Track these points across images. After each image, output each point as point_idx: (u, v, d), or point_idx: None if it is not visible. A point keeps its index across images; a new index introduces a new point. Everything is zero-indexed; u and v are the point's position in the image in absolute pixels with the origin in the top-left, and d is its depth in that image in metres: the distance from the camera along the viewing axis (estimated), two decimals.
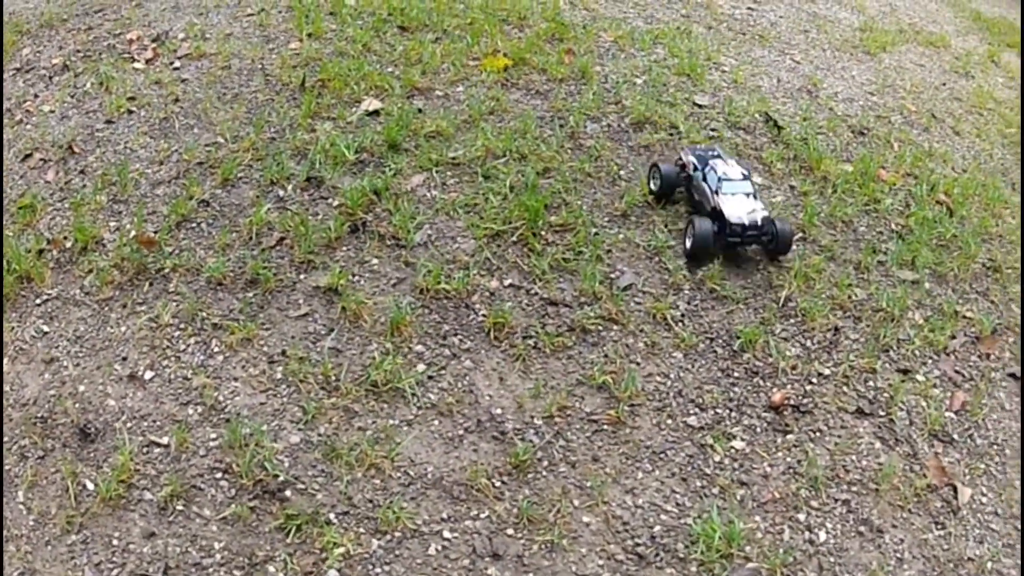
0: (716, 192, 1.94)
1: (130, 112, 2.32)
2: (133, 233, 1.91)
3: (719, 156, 2.03)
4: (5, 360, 1.75)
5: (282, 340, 1.69)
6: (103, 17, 2.81)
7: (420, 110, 2.21)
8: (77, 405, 1.62)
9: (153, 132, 2.24)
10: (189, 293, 1.78)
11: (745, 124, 2.31)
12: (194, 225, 1.94)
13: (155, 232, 1.91)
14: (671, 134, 2.22)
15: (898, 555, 1.50)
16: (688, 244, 1.92)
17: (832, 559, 1.47)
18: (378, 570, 1.41)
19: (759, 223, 1.91)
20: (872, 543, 1.51)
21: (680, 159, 2.07)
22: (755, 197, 1.95)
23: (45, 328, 1.78)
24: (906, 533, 1.53)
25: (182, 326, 1.73)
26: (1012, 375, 1.84)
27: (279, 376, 1.63)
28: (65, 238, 1.94)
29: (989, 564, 1.51)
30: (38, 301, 1.84)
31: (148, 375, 1.66)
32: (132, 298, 1.80)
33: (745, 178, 1.95)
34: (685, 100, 2.36)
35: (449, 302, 1.77)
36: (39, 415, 1.62)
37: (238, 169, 2.06)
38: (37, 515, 1.48)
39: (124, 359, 1.70)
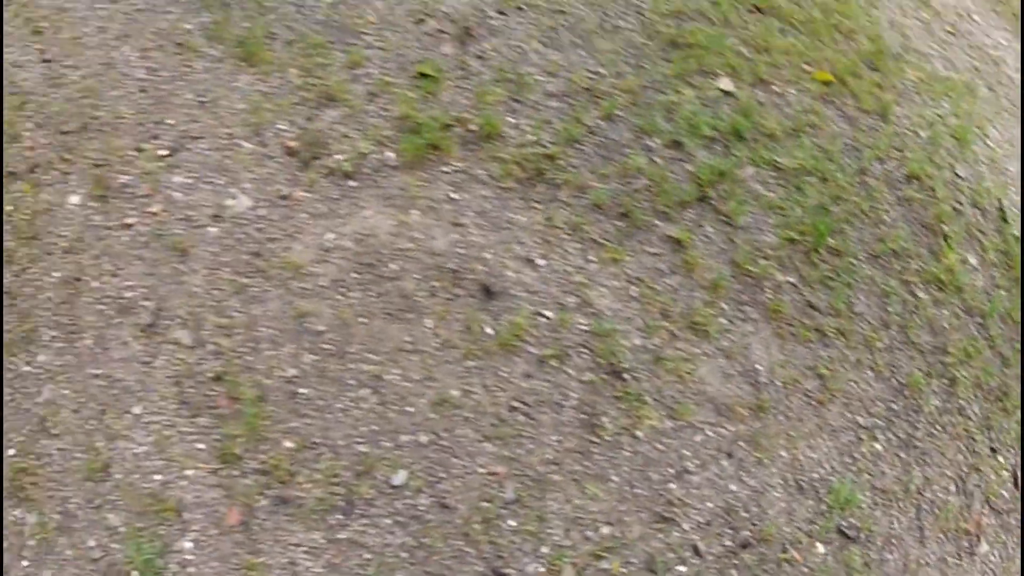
0: None
1: (519, 9, 2.84)
2: (533, 138, 2.56)
3: None
4: (415, 211, 2.49)
5: (639, 267, 2.47)
6: None
7: (760, 103, 2.79)
8: (482, 268, 2.40)
9: (543, 38, 2.80)
10: (576, 206, 2.52)
11: (983, 205, 2.91)
12: (581, 148, 2.61)
13: (551, 143, 2.58)
14: (929, 196, 2.83)
15: (926, 560, 2.38)
16: None
17: (886, 537, 2.38)
18: (666, 439, 2.32)
19: None
20: (918, 542, 2.39)
21: None
22: None
23: (454, 196, 2.51)
24: (937, 548, 2.40)
25: (569, 231, 2.49)
26: None
27: (633, 294, 2.43)
28: (469, 119, 2.60)
29: None
30: (446, 169, 2.54)
31: (540, 262, 2.44)
32: (529, 195, 2.53)
33: None
34: (949, 166, 2.93)
35: (750, 280, 2.53)
36: (449, 266, 2.38)
37: (618, 108, 2.68)
38: (442, 340, 2.28)
39: (521, 243, 2.46)
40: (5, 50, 3.09)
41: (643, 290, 2.44)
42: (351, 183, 2.55)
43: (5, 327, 2.40)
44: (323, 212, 2.50)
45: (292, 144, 2.67)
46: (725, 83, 2.79)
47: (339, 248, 2.43)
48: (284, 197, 2.57)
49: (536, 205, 2.51)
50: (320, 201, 2.53)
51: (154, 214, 2.58)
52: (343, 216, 2.49)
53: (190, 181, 2.64)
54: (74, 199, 2.63)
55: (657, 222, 2.53)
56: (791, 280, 2.57)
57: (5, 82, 3.04)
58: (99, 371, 2.28)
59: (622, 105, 2.68)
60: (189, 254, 2.48)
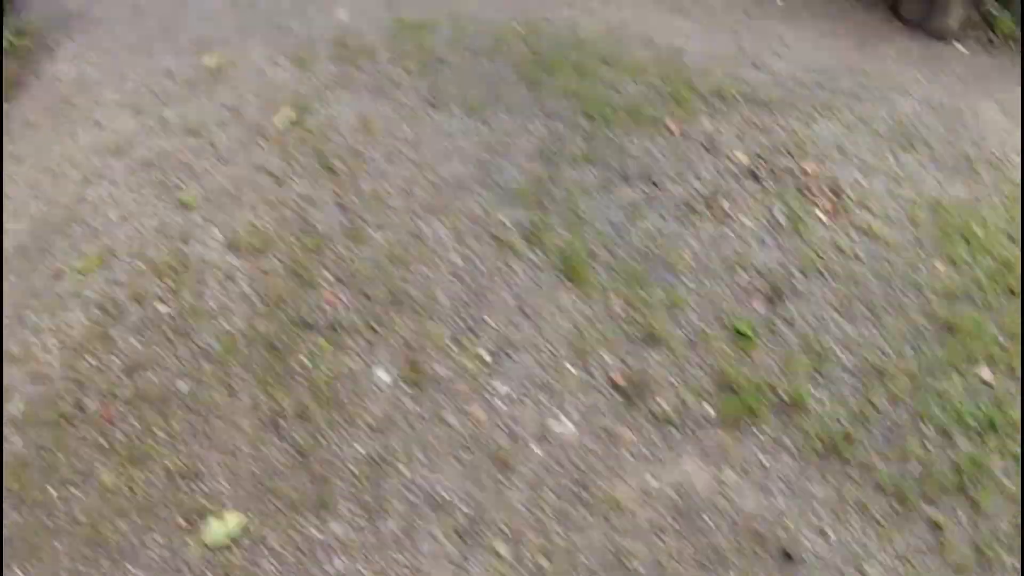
0: None
1: (820, 273, 3.21)
2: (832, 414, 2.99)
3: None
4: (729, 470, 2.89)
5: (905, 546, 2.93)
6: (774, 121, 3.40)
7: (1011, 393, 3.25)
8: (783, 534, 2.82)
9: (839, 307, 3.20)
10: (863, 485, 2.99)
11: None
12: (869, 428, 3.06)
13: (846, 421, 3.01)
14: None
15: None
16: None
17: None
18: None
19: None
20: None
21: None
22: None
23: (764, 460, 2.88)
24: None
25: (855, 508, 2.93)
26: None
27: (900, 571, 2.93)
28: (778, 386, 3.01)
29: None
30: (758, 434, 2.90)
31: (831, 534, 2.79)
32: (825, 468, 2.96)
33: None
34: None
35: (986, 562, 3.05)
36: (755, 527, 2.72)
37: (901, 391, 3.12)
38: None
39: (817, 515, 2.83)
40: (295, 179, 3.31)
41: (907, 568, 2.98)
42: (673, 431, 3.00)
43: (295, 486, 2.68)
44: (646, 455, 2.95)
45: (618, 379, 3.08)
46: (986, 373, 3.25)
47: (660, 494, 2.90)
48: (609, 432, 3.00)
49: (830, 479, 3.00)
50: (644, 444, 2.97)
51: (475, 418, 2.95)
52: (664, 463, 2.95)
53: (514, 393, 3.01)
54: (382, 375, 2.97)
55: (924, 505, 3.05)
56: (1015, 564, 3.13)
57: (296, 216, 3.26)
58: (404, 559, 2.63)
59: (904, 388, 3.14)
60: (511, 468, 2.87)
